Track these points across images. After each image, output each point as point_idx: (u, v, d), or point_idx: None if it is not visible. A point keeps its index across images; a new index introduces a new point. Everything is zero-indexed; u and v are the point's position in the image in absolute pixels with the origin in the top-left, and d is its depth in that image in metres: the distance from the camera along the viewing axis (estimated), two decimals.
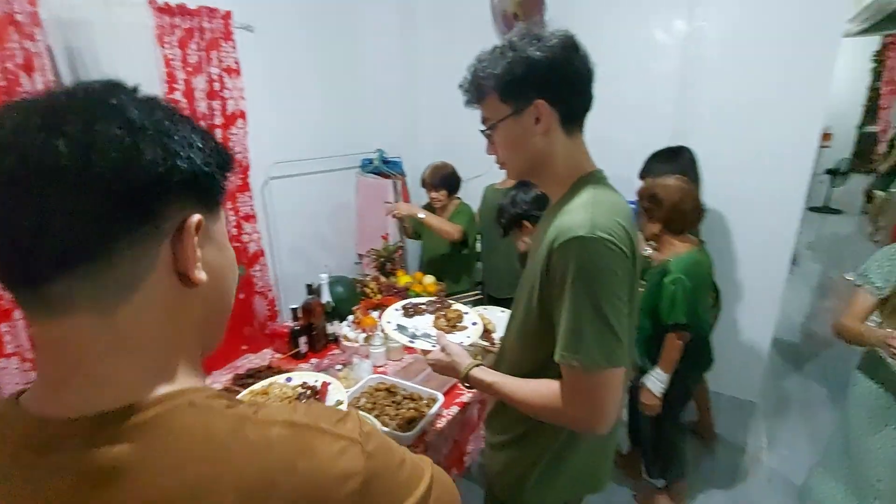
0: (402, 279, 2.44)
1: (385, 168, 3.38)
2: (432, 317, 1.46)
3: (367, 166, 3.40)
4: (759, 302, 2.79)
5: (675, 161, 2.35)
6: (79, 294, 0.39)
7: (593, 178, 0.95)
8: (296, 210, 3.03)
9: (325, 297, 2.03)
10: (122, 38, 2.06)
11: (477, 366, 1.06)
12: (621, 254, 0.83)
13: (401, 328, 1.38)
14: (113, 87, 0.41)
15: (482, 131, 0.98)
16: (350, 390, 1.61)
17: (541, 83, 0.87)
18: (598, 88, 0.93)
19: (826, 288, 4.62)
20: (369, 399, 1.58)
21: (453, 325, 1.41)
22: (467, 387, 1.09)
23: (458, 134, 3.55)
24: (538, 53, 0.85)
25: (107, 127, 0.37)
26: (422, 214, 2.48)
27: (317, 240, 3.33)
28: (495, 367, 1.09)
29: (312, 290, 1.99)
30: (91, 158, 0.36)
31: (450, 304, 1.54)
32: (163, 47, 2.19)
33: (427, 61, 3.68)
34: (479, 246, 2.76)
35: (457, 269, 2.68)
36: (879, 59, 5.11)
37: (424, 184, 2.68)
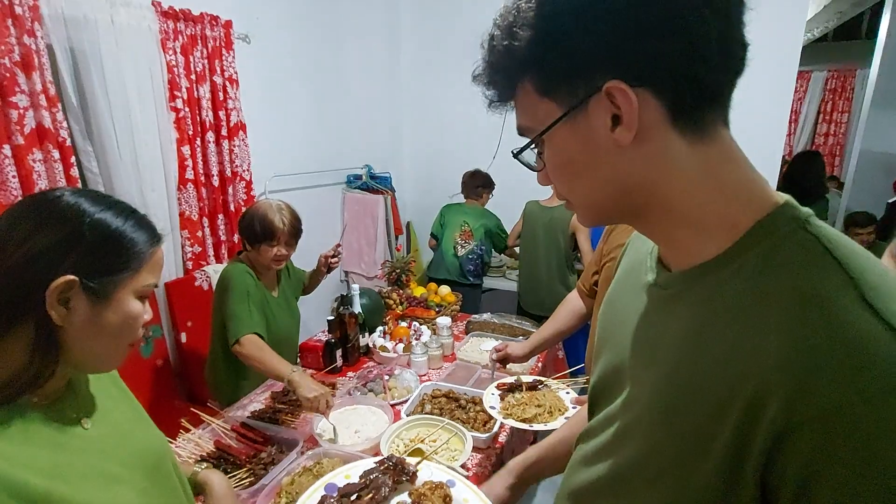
0: (417, 290, 2.42)
1: (374, 184, 3.35)
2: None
3: (354, 182, 3.36)
4: None
5: None
6: None
7: (800, 219, 0.42)
8: None
9: (357, 309, 1.97)
10: (125, 40, 1.93)
11: None
12: None
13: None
14: None
15: (514, 155, 0.52)
16: (410, 397, 1.58)
17: (612, 50, 0.41)
18: None
19: None
20: (434, 405, 1.55)
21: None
22: None
23: (440, 152, 3.65)
24: None
25: None
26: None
27: (306, 257, 3.21)
28: None
29: (344, 301, 1.92)
30: None
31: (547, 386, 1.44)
32: (165, 53, 2.08)
33: (411, 78, 3.75)
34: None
35: None
36: None
37: (278, 237, 1.64)
